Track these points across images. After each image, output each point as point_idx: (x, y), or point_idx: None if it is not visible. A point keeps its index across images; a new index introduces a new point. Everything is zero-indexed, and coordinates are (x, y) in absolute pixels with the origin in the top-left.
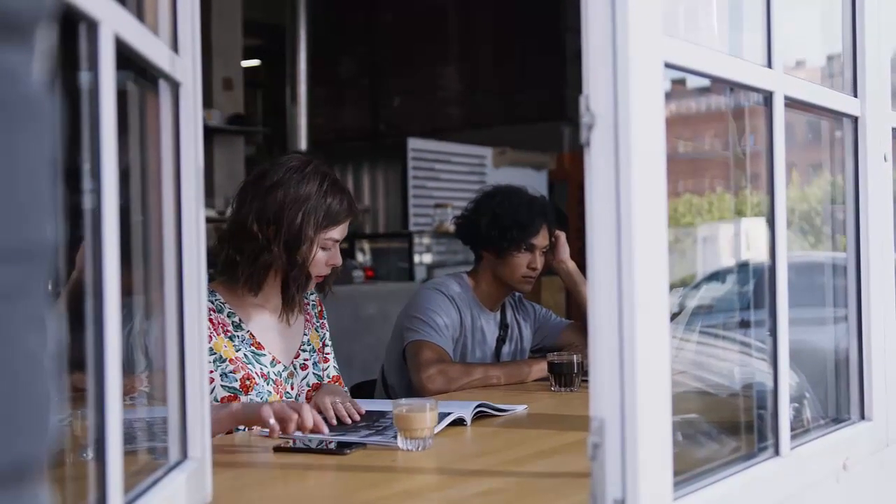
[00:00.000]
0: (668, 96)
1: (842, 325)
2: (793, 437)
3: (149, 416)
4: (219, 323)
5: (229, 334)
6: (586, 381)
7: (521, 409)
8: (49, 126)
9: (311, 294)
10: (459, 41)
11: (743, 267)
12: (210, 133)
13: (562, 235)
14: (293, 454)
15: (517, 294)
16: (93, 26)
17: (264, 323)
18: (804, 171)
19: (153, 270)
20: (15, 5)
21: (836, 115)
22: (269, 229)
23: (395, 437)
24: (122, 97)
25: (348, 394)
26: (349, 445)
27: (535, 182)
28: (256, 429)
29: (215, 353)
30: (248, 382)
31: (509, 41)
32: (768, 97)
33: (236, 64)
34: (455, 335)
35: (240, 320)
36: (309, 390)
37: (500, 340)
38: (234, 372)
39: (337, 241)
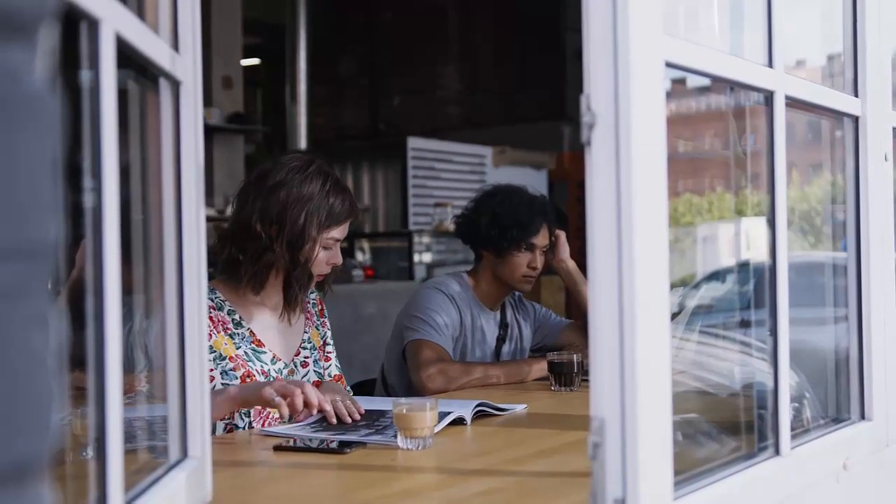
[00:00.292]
0: (669, 96)
1: (842, 324)
2: (793, 437)
3: (149, 414)
4: (219, 321)
5: (229, 332)
6: (586, 380)
7: (520, 408)
8: (51, 125)
9: (312, 293)
10: (459, 40)
11: (743, 267)
12: (210, 132)
13: (562, 235)
14: (293, 453)
15: (517, 293)
16: (94, 25)
17: (265, 321)
18: (804, 171)
19: (153, 269)
20: (17, 4)
21: (837, 115)
22: (271, 229)
23: (395, 436)
24: (122, 96)
25: (350, 393)
26: (349, 444)
27: (534, 181)
28: (257, 427)
29: (215, 351)
30: (248, 380)
31: (509, 40)
32: (769, 97)
33: (236, 63)
34: (455, 334)
35: (240, 318)
36: None
37: (500, 340)
38: (234, 370)
39: (338, 240)
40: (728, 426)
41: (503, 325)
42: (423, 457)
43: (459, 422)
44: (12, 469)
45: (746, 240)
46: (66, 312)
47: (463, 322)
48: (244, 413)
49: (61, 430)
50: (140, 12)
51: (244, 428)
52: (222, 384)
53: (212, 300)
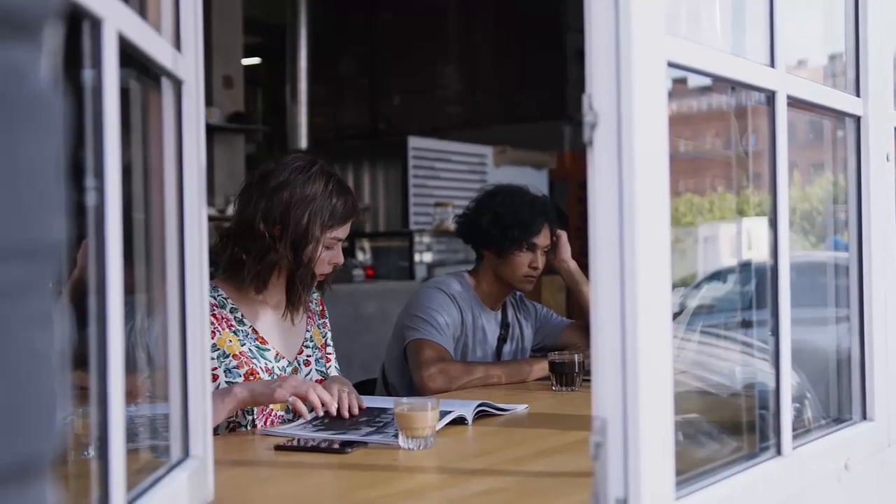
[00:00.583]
0: (670, 96)
1: (843, 324)
2: (794, 437)
3: (150, 413)
4: (222, 318)
5: (233, 329)
6: (587, 380)
7: (521, 408)
8: (55, 124)
9: (313, 293)
10: (460, 40)
11: (744, 267)
12: (210, 131)
13: (563, 234)
14: (294, 453)
15: (518, 293)
16: (96, 24)
17: (267, 320)
18: (806, 171)
19: (155, 268)
20: (21, 3)
21: (839, 115)
22: (275, 228)
23: (396, 435)
24: (124, 95)
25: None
26: (350, 444)
27: (535, 181)
28: (259, 426)
29: (219, 349)
30: (251, 377)
31: (509, 40)
32: (771, 96)
33: (237, 62)
34: (456, 334)
35: (242, 316)
36: None
37: (502, 339)
38: (237, 367)
39: (340, 240)
40: (729, 426)
41: (504, 325)
42: (425, 456)
43: (460, 421)
44: (15, 468)
45: (747, 240)
46: (68, 312)
47: (464, 321)
48: (247, 411)
49: (64, 429)
50: (142, 11)
51: (247, 427)
52: (226, 382)
53: (214, 298)
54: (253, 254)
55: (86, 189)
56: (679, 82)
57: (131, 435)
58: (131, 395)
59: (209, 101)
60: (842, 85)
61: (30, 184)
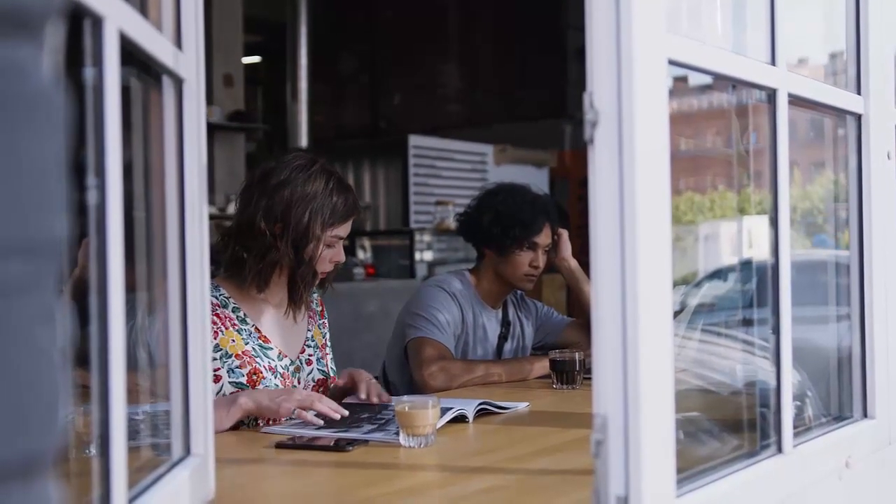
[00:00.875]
0: (671, 94)
1: (844, 323)
2: (795, 435)
3: (151, 411)
4: (225, 317)
5: (236, 328)
6: (588, 378)
7: (522, 406)
8: (58, 122)
9: (314, 292)
10: (460, 38)
11: (745, 265)
12: (211, 130)
13: (564, 233)
14: (296, 451)
15: (519, 291)
16: (98, 22)
17: (269, 318)
18: (806, 170)
19: (156, 266)
20: (24, 1)
21: (840, 113)
22: (276, 227)
23: (397, 433)
24: (125, 93)
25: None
26: (351, 442)
27: (536, 179)
28: (261, 423)
29: (221, 350)
30: (254, 377)
31: (510, 38)
32: (771, 94)
33: (237, 61)
34: (457, 332)
35: (244, 315)
36: (314, 385)
37: (503, 338)
38: (240, 367)
39: (341, 238)
40: (730, 424)
41: (505, 323)
42: (425, 454)
43: (461, 419)
44: (18, 465)
45: (748, 238)
46: (70, 310)
47: (465, 320)
48: None
49: (66, 426)
50: (143, 10)
51: (248, 425)
52: (230, 383)
53: (216, 298)
54: (254, 252)
55: (87, 188)
56: (680, 80)
57: (132, 433)
58: (132, 395)
59: (210, 100)
60: (843, 83)
61: (32, 181)
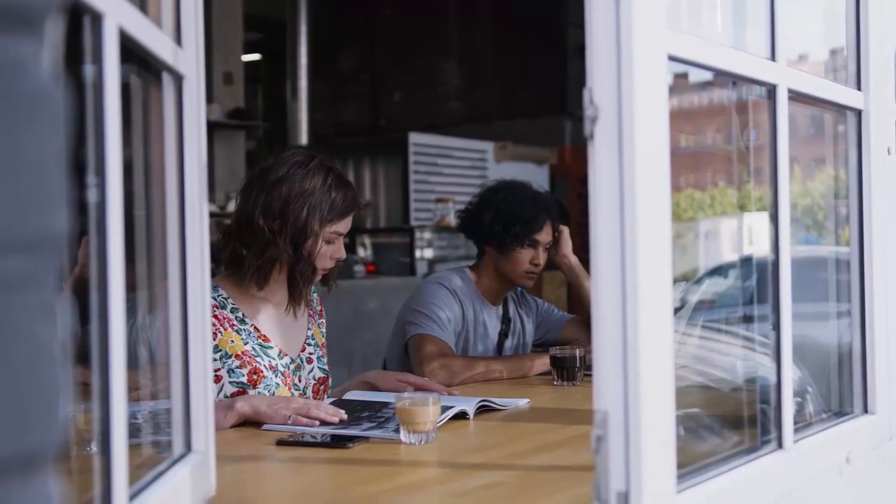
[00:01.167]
0: (671, 91)
1: (844, 319)
2: (796, 431)
3: (152, 409)
4: (224, 318)
5: (235, 328)
6: (588, 375)
7: (523, 402)
8: (58, 117)
9: (313, 292)
10: (460, 36)
11: (745, 261)
12: (210, 128)
13: (565, 230)
14: (296, 448)
15: (519, 288)
16: (97, 19)
17: (269, 317)
18: (807, 166)
19: (156, 264)
20: None
21: (840, 109)
22: (274, 223)
23: (398, 430)
24: (125, 90)
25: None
26: (352, 439)
27: (536, 177)
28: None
29: (220, 350)
30: (255, 376)
31: (510, 36)
32: (772, 90)
33: (237, 58)
34: (457, 329)
35: (243, 315)
36: (315, 383)
37: (503, 335)
38: (240, 367)
39: (341, 234)
40: (731, 420)
41: (506, 320)
42: (426, 451)
43: (462, 416)
44: (19, 460)
45: (748, 235)
46: (70, 307)
47: (465, 317)
48: None
49: (67, 422)
50: (143, 6)
51: (249, 423)
52: (230, 383)
53: (214, 299)
54: (253, 249)
55: (87, 186)
56: (680, 77)
57: (133, 430)
58: (132, 393)
59: (209, 98)
60: (843, 79)
61: (32, 177)
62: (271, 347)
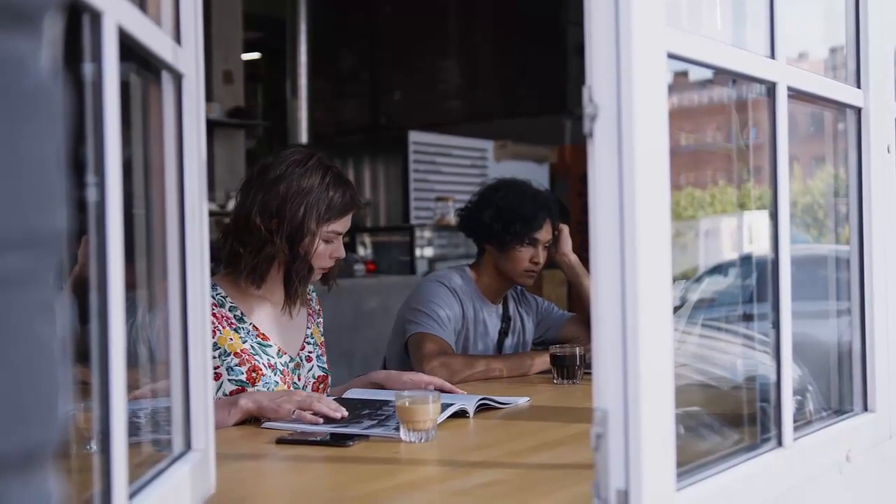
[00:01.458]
0: (670, 89)
1: (844, 317)
2: (795, 429)
3: (152, 407)
4: (222, 317)
5: (234, 326)
6: (588, 373)
7: (523, 401)
8: (57, 115)
9: (312, 291)
10: (460, 35)
11: (745, 260)
12: (210, 126)
13: (565, 228)
14: (296, 446)
15: (519, 287)
16: (96, 17)
17: (267, 316)
18: (806, 164)
19: (156, 263)
20: None
21: (840, 107)
22: (271, 222)
23: (398, 428)
24: (124, 89)
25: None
26: (352, 437)
27: (536, 175)
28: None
29: (219, 348)
30: (254, 374)
31: (510, 35)
32: (771, 88)
33: (237, 57)
34: (457, 327)
35: (242, 314)
36: (315, 382)
37: (503, 333)
38: (239, 365)
39: (340, 233)
40: (730, 418)
41: (506, 319)
42: (426, 449)
43: (462, 414)
44: (18, 457)
45: (748, 233)
46: (70, 306)
47: (465, 315)
48: None
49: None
50: (142, 5)
51: (248, 420)
52: (229, 381)
53: (213, 298)
54: (250, 247)
55: (86, 185)
56: (680, 75)
57: (133, 429)
58: (132, 392)
59: (209, 97)
60: (842, 77)
61: (31, 175)
62: (270, 346)
